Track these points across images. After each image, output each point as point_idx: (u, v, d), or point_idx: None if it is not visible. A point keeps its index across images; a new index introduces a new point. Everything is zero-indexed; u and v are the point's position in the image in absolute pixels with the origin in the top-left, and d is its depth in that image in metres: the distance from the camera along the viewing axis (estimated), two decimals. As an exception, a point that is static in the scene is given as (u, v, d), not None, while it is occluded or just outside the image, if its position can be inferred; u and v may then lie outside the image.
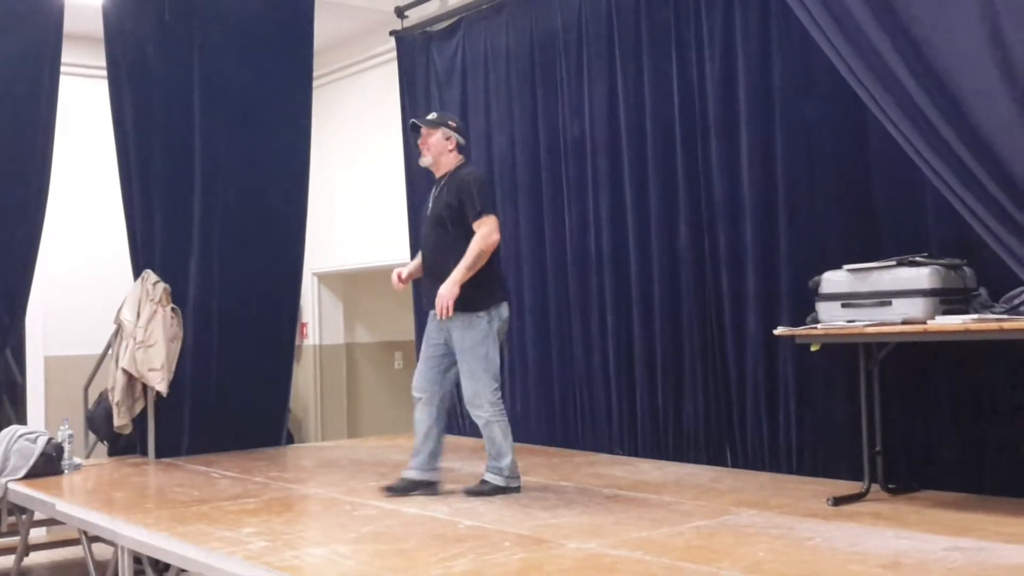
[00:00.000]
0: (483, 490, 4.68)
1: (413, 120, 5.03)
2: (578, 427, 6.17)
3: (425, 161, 4.88)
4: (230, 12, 6.59)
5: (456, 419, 7.07)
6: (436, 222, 4.75)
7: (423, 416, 4.79)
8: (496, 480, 4.70)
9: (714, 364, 5.34)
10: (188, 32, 6.48)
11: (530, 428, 6.47)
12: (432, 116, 4.97)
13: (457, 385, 4.80)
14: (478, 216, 4.63)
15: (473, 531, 3.96)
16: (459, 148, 4.89)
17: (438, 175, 4.88)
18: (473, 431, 6.85)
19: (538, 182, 6.39)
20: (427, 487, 4.73)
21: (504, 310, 4.77)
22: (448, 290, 4.57)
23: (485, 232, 4.62)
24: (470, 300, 4.63)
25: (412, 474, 4.76)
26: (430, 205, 4.85)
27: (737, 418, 5.24)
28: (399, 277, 4.94)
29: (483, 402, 4.68)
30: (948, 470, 4.43)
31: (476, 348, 4.66)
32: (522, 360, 6.55)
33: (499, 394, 4.73)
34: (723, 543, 3.64)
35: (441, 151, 4.83)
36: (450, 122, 4.90)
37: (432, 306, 4.68)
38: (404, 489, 4.71)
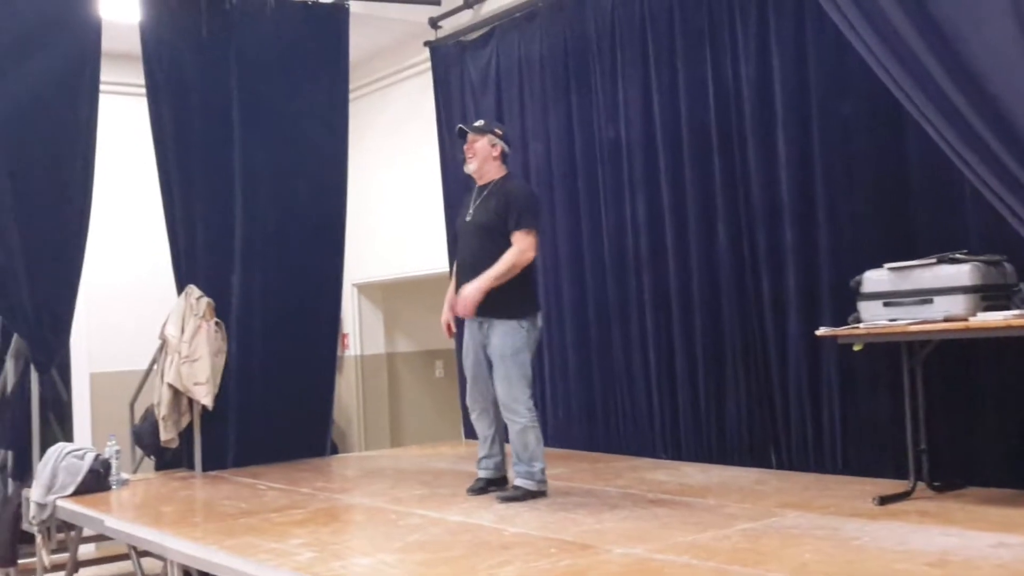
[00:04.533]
0: (516, 496, 4.73)
1: (460, 126, 5.05)
2: (620, 431, 6.17)
3: (470, 167, 4.91)
4: (267, 27, 6.66)
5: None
6: (481, 231, 4.79)
7: (483, 423, 4.94)
8: (528, 485, 4.75)
9: (756, 365, 5.32)
10: (225, 48, 6.56)
11: (571, 433, 6.48)
12: (479, 123, 5.01)
13: None
14: (518, 229, 4.69)
15: (518, 538, 3.97)
16: (504, 157, 4.93)
17: (481, 183, 4.91)
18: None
19: (575, 187, 6.40)
20: (500, 484, 4.92)
21: (539, 320, 4.86)
22: (472, 293, 4.64)
23: (524, 247, 4.69)
24: (514, 308, 4.72)
25: (487, 473, 4.96)
26: (471, 212, 4.87)
27: (780, 419, 5.21)
28: (448, 328, 5.06)
29: (520, 407, 4.73)
30: (993, 466, 4.39)
31: (516, 355, 4.72)
32: (562, 365, 6.56)
33: (532, 400, 4.80)
34: (769, 545, 3.62)
35: (487, 158, 4.87)
36: (496, 130, 4.95)
37: (468, 313, 4.77)
38: (483, 488, 4.91)
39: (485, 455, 4.97)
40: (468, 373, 4.95)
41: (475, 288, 4.65)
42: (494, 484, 4.93)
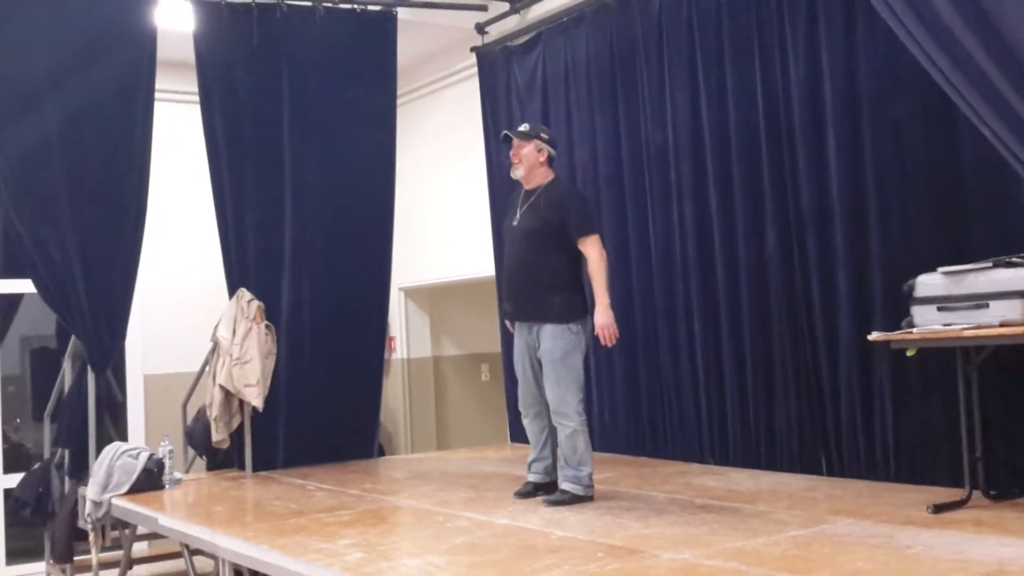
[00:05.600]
0: (563, 500, 4.74)
1: (506, 132, 5.05)
2: (667, 436, 6.13)
3: (517, 173, 4.92)
4: (316, 35, 6.74)
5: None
6: (529, 236, 4.80)
7: (536, 427, 4.96)
8: (575, 489, 4.76)
9: (806, 371, 5.26)
10: (276, 56, 6.65)
11: (619, 438, 6.45)
12: (524, 128, 5.01)
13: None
14: (586, 235, 4.74)
15: (565, 542, 3.97)
16: (550, 161, 4.93)
17: (529, 187, 4.92)
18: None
19: (621, 191, 6.38)
20: (549, 488, 4.88)
21: (589, 324, 4.83)
22: (606, 318, 4.69)
23: (600, 252, 4.76)
24: (565, 312, 4.74)
25: (536, 477, 4.94)
26: (518, 217, 4.88)
27: (832, 425, 5.15)
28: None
29: (570, 411, 4.74)
30: (1054, 476, 4.30)
31: (567, 358, 4.73)
32: (609, 369, 6.54)
33: (583, 404, 4.81)
34: (820, 553, 3.58)
35: (533, 163, 4.88)
36: (542, 134, 4.95)
37: (520, 317, 4.83)
38: (532, 492, 4.90)
39: (535, 458, 4.98)
40: (519, 377, 4.98)
41: (605, 310, 4.69)
42: (542, 488, 4.92)
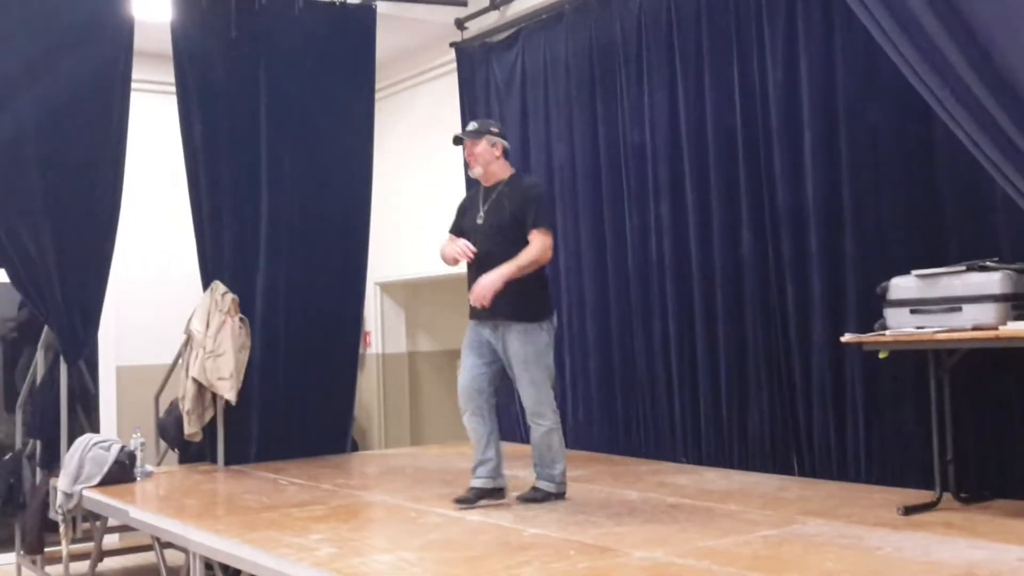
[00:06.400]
0: (537, 497, 4.72)
1: (456, 135, 4.96)
2: (641, 435, 6.15)
3: (475, 172, 4.85)
4: (294, 27, 6.70)
5: (519, 427, 7.10)
6: (497, 233, 4.69)
7: (478, 426, 4.74)
8: (549, 487, 4.75)
9: (779, 371, 5.29)
10: (254, 48, 6.61)
11: (592, 436, 6.47)
12: (473, 126, 4.90)
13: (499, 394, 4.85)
14: (537, 227, 4.62)
15: (538, 539, 3.97)
16: (505, 153, 4.86)
17: (488, 184, 4.84)
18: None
19: (599, 190, 6.39)
20: (497, 494, 4.73)
21: (555, 320, 4.83)
22: (492, 281, 4.52)
23: (548, 244, 4.63)
24: (534, 311, 4.68)
25: (480, 483, 4.73)
26: (482, 215, 4.76)
27: (804, 426, 5.18)
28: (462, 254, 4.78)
29: (547, 410, 4.72)
30: (1022, 478, 4.33)
31: (540, 358, 4.69)
32: (584, 368, 6.55)
33: (555, 402, 4.79)
34: (791, 553, 3.60)
35: (489, 159, 4.80)
36: (492, 128, 4.85)
37: (486, 315, 4.66)
38: (473, 499, 4.68)
39: (480, 460, 4.74)
40: (467, 372, 4.77)
41: (497, 276, 4.52)
42: (488, 495, 4.70)
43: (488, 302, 4.56)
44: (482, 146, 4.80)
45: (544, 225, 4.66)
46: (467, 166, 4.90)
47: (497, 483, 4.74)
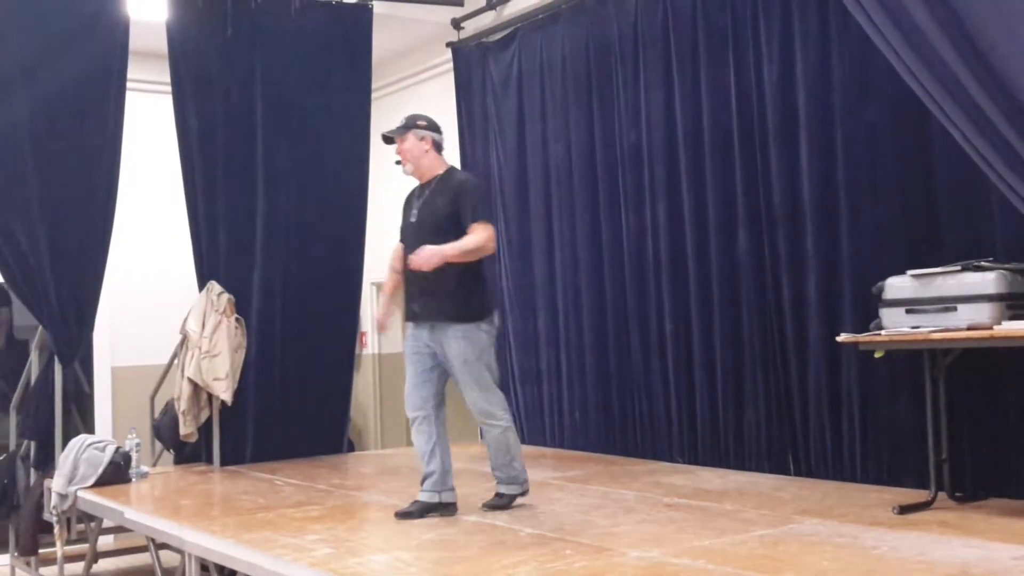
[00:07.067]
0: (502, 504, 4.59)
1: (382, 133, 4.71)
2: (637, 435, 6.15)
3: (407, 169, 4.64)
4: (291, 27, 6.70)
5: (514, 426, 7.09)
6: (431, 230, 4.45)
7: (423, 437, 4.56)
8: (512, 490, 4.64)
9: (775, 371, 5.30)
10: (250, 47, 6.61)
11: (589, 436, 6.47)
12: (399, 123, 4.66)
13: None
14: (476, 221, 4.40)
15: (534, 539, 3.97)
16: (436, 146, 4.63)
17: (424, 180, 4.64)
18: (532, 438, 6.89)
19: (595, 189, 6.40)
20: (443, 508, 4.52)
21: (496, 318, 4.64)
22: (434, 252, 4.29)
23: (491, 235, 4.44)
24: (470, 311, 4.46)
25: (425, 496, 4.52)
26: (416, 212, 4.60)
27: (799, 426, 5.19)
28: (380, 324, 4.82)
29: (496, 410, 4.54)
30: (1017, 478, 4.35)
31: (481, 359, 4.47)
32: (580, 368, 6.55)
33: (505, 400, 4.65)
34: (787, 552, 3.60)
35: (419, 154, 4.59)
36: (419, 122, 4.62)
37: (423, 318, 4.52)
38: (416, 513, 4.48)
39: (424, 474, 4.55)
40: (412, 379, 4.60)
41: (440, 252, 4.30)
42: (432, 510, 4.50)
43: (429, 265, 4.31)
44: (410, 141, 4.58)
45: (483, 218, 4.44)
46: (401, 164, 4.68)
47: (443, 497, 4.53)
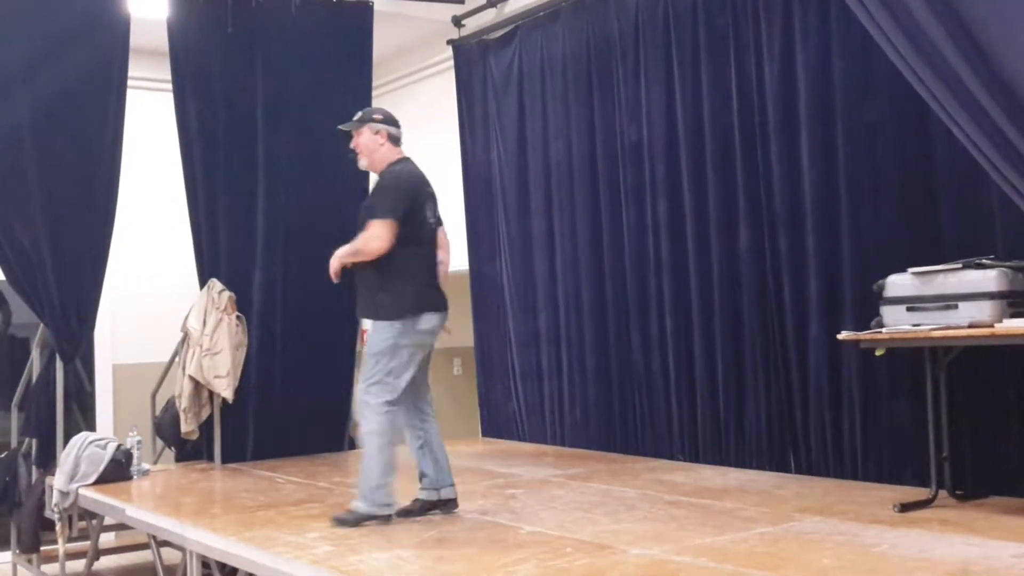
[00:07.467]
0: (346, 519, 4.26)
1: (339, 127, 4.68)
2: (638, 433, 6.16)
3: (362, 164, 4.61)
4: (291, 24, 6.69)
5: (515, 424, 7.11)
6: (362, 226, 4.42)
7: (409, 435, 4.51)
8: (360, 507, 4.27)
9: (776, 369, 5.30)
10: (251, 45, 6.60)
11: (589, 434, 6.47)
12: (356, 117, 4.60)
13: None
14: (376, 217, 4.32)
15: (535, 537, 3.98)
16: (393, 140, 4.55)
17: (378, 173, 4.59)
18: (533, 436, 6.91)
19: (596, 187, 6.40)
20: (439, 506, 4.47)
21: (424, 322, 4.36)
22: (335, 257, 4.38)
23: (371, 234, 4.31)
24: (379, 308, 4.39)
25: (424, 495, 4.49)
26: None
27: (800, 423, 5.19)
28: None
29: (368, 411, 4.34)
30: (1018, 475, 4.35)
31: (379, 356, 4.31)
32: (580, 366, 6.56)
33: (390, 410, 4.31)
34: (787, 550, 3.61)
35: (373, 148, 4.52)
36: (375, 116, 4.57)
37: (359, 314, 4.69)
38: (418, 511, 4.44)
39: (420, 471, 4.52)
40: None
41: (335, 255, 4.39)
42: (434, 507, 4.44)
43: (332, 272, 4.41)
44: (365, 135, 4.52)
45: (378, 215, 4.31)
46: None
47: (441, 495, 4.47)
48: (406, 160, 4.58)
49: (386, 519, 4.28)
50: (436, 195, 4.64)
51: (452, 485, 4.54)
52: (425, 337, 4.42)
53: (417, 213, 4.43)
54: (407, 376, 4.36)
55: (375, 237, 4.31)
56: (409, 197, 4.42)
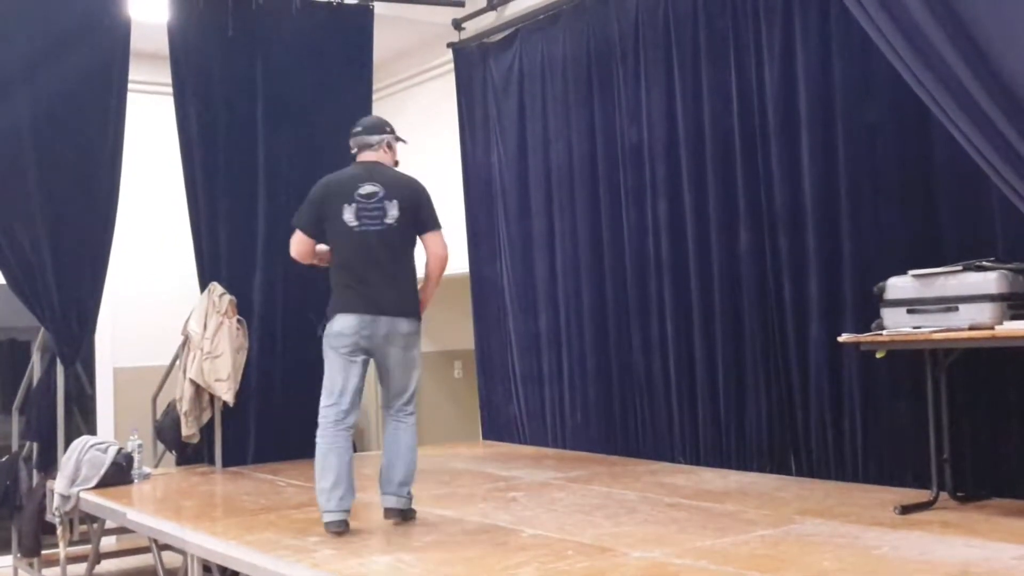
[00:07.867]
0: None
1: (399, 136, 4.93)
2: (638, 435, 6.15)
3: None
4: (291, 27, 6.70)
5: (516, 427, 7.11)
6: None
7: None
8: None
9: (777, 371, 5.30)
10: (251, 48, 6.61)
11: (590, 436, 6.47)
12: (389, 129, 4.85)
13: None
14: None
15: (536, 540, 3.98)
16: (357, 146, 4.75)
17: None
18: (534, 439, 6.91)
19: (596, 189, 6.40)
20: (405, 514, 4.41)
21: (337, 323, 4.36)
22: None
23: (293, 239, 4.56)
24: (329, 312, 4.49)
25: (389, 502, 4.40)
26: None
27: (801, 426, 5.19)
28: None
29: (320, 417, 4.41)
30: (1019, 477, 4.34)
31: (324, 361, 4.47)
32: (581, 368, 6.55)
33: (330, 413, 4.37)
34: (788, 552, 3.61)
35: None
36: (353, 128, 4.76)
37: None
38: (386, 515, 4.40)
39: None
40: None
41: None
42: (403, 513, 4.38)
43: None
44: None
45: (294, 224, 4.55)
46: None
47: (383, 502, 4.41)
48: (353, 164, 4.68)
49: (332, 527, 4.16)
50: (385, 193, 4.58)
51: (391, 495, 4.36)
52: (342, 339, 4.35)
53: (331, 218, 4.45)
54: (343, 380, 4.37)
55: (293, 243, 4.56)
56: (315, 205, 4.53)
